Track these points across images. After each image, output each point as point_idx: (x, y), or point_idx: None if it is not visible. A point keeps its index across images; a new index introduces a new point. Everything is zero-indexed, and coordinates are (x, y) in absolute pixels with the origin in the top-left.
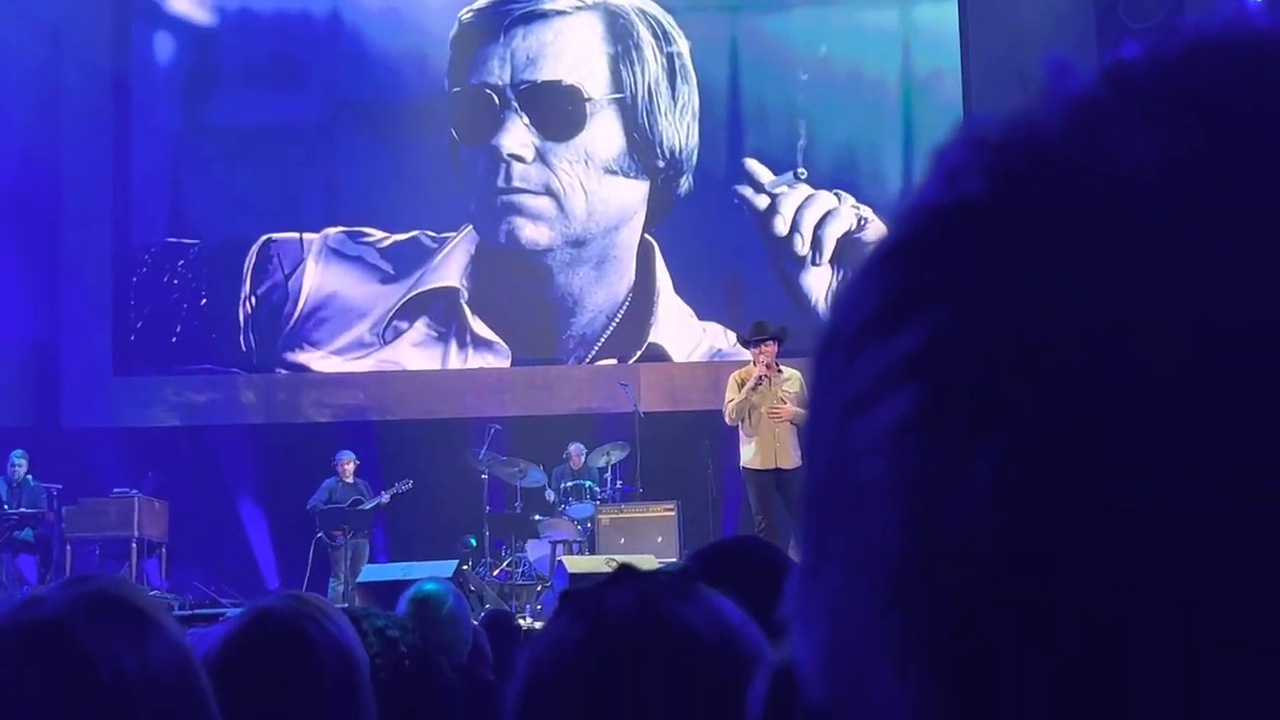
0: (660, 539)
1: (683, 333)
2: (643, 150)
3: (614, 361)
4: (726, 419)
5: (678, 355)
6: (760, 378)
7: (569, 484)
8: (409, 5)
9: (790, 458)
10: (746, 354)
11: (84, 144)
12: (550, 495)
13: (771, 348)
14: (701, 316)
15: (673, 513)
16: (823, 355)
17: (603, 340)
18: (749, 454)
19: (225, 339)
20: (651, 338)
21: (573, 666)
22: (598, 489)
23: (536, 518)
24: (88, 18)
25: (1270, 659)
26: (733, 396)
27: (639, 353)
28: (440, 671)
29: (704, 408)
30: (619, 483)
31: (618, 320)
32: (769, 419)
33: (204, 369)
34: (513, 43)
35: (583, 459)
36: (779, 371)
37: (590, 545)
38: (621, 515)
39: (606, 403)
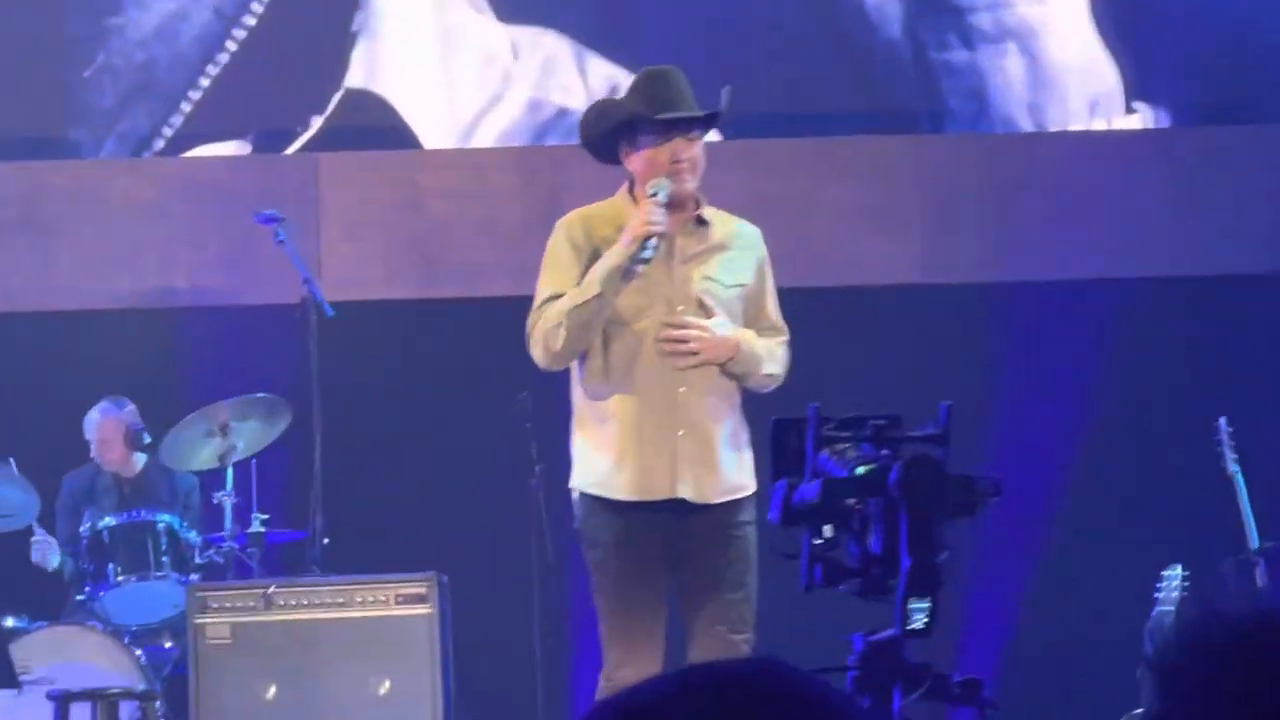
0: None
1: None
2: None
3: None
4: (537, 351)
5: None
6: (653, 236)
7: None
8: None
9: (716, 473)
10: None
11: None
12: None
13: (694, 146)
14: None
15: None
16: None
17: None
18: (598, 462)
19: None
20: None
21: None
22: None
23: None
24: None
25: None
26: (558, 289)
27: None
28: None
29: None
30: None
31: None
32: (664, 356)
33: None
34: None
35: None
36: (701, 222)
37: None
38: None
39: None
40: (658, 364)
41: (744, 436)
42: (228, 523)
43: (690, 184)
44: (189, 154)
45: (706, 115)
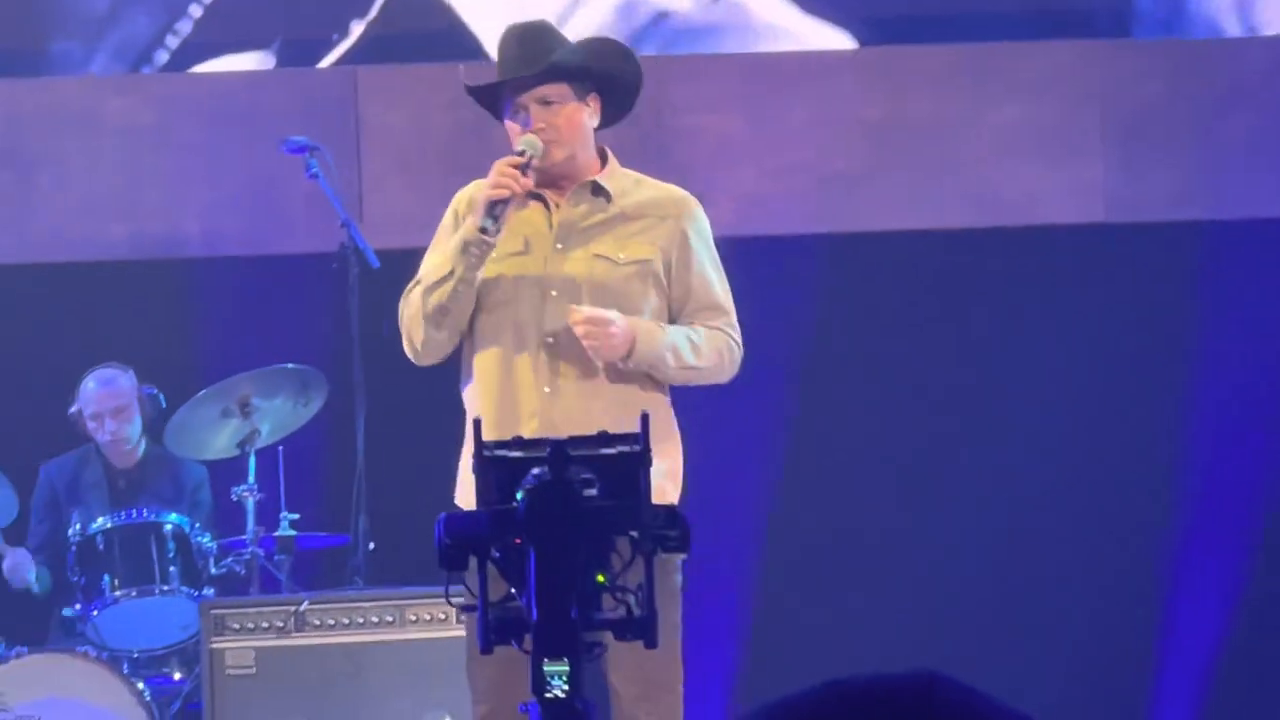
0: None
1: None
2: None
3: None
4: (405, 345)
5: None
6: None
7: None
8: None
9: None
10: None
11: None
12: None
13: (552, 110)
14: None
15: None
16: None
17: None
18: (464, 473)
19: None
20: None
21: None
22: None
23: None
24: None
25: None
26: (430, 272)
27: None
28: None
29: None
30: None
31: None
32: (532, 351)
33: None
34: None
35: None
36: (597, 191)
37: None
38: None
39: None
40: (527, 360)
41: (657, 451)
42: (250, 524)
43: (555, 152)
44: (199, 68)
45: (534, 75)
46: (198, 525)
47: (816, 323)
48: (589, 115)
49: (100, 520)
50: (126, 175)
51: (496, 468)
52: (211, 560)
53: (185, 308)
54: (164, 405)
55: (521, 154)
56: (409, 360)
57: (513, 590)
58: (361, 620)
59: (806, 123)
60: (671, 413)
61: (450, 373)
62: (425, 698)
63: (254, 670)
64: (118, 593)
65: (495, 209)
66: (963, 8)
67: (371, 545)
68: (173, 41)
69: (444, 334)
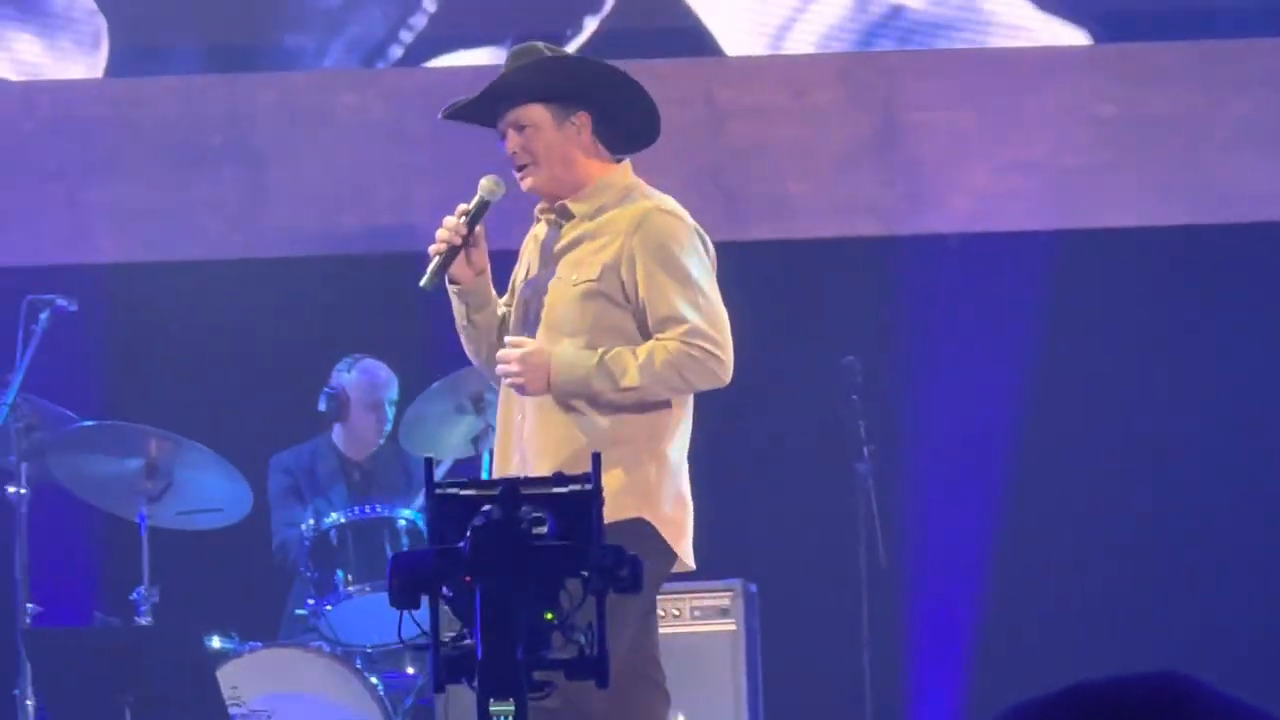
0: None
1: None
2: None
3: None
4: None
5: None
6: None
7: None
8: None
9: None
10: None
11: None
12: None
13: (517, 135)
14: None
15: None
16: None
17: None
18: None
19: None
20: None
21: None
22: None
23: None
24: None
25: None
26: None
27: None
28: None
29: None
30: None
31: None
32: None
33: None
34: None
35: None
36: (566, 214)
37: None
38: None
39: None
40: (505, 390)
41: (613, 464)
42: None
43: (528, 179)
44: (432, 63)
45: (472, 101)
46: None
47: (1049, 320)
48: (573, 134)
49: (333, 515)
50: (358, 170)
51: (449, 506)
52: None
53: (415, 302)
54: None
55: (470, 203)
56: None
57: (465, 630)
58: (677, 613)
59: (1040, 119)
60: (653, 428)
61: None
62: None
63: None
64: (351, 588)
65: (436, 263)
66: (1198, 4)
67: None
68: (406, 36)
69: (482, 365)
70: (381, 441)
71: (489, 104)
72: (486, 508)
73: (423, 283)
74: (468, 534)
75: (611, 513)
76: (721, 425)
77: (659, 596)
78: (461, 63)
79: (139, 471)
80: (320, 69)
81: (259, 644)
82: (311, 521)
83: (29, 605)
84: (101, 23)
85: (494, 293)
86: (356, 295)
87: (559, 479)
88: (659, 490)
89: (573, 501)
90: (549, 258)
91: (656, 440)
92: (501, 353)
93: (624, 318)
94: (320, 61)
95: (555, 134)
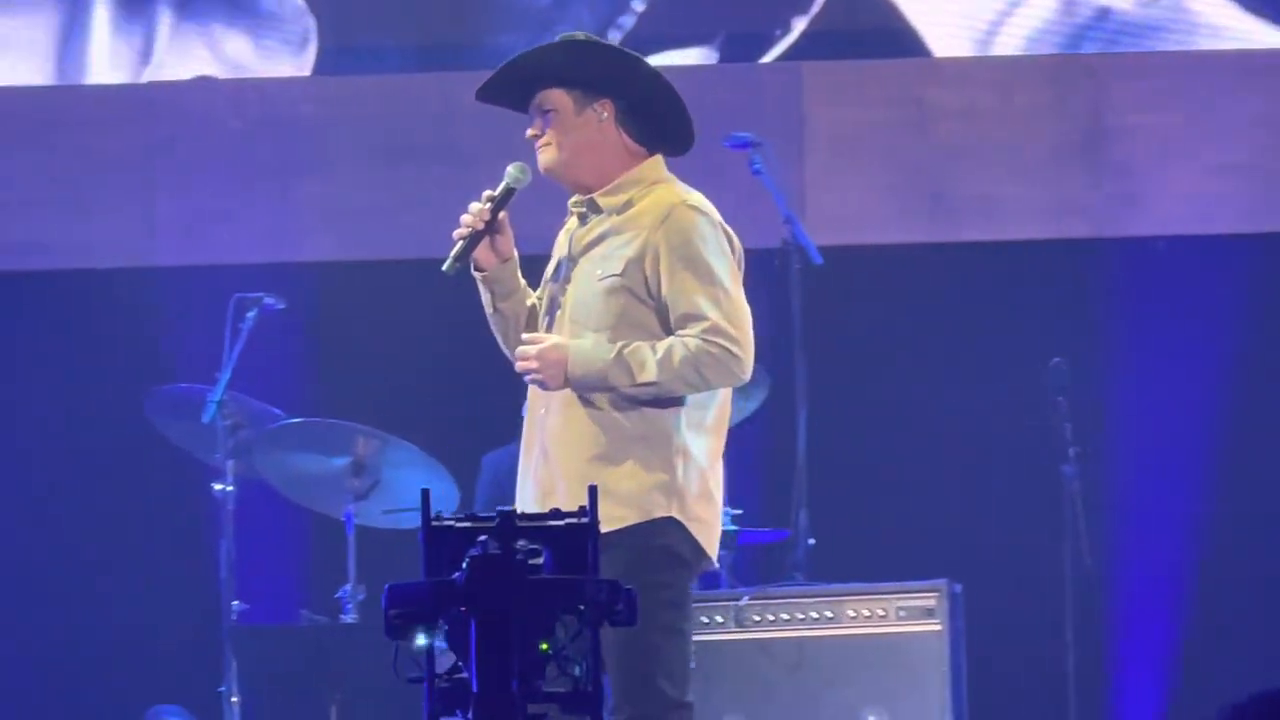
0: None
1: None
2: None
3: None
4: None
5: None
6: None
7: None
8: None
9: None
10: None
11: None
12: None
13: (542, 120)
14: None
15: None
16: None
17: None
18: None
19: None
20: None
21: None
22: None
23: None
24: None
25: None
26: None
27: None
28: None
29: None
30: None
31: None
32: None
33: None
34: None
35: None
36: (595, 207)
37: None
38: None
39: None
40: (532, 388)
41: (638, 461)
42: None
43: (542, 157)
44: None
45: (498, 80)
46: None
47: (1256, 323)
48: (594, 120)
49: None
50: None
51: (445, 538)
52: None
53: None
54: None
55: (496, 189)
56: (850, 357)
57: (460, 662)
58: (801, 616)
59: (1248, 121)
60: (678, 425)
61: (881, 366)
62: (865, 694)
63: (693, 665)
64: None
65: (459, 247)
66: None
67: (811, 541)
68: (615, 36)
69: (511, 355)
70: None
71: (520, 87)
72: (482, 539)
73: (444, 267)
74: (463, 566)
75: (641, 512)
76: (927, 425)
77: (859, 595)
78: (671, 62)
79: (345, 469)
80: None
81: None
82: None
83: (235, 603)
84: (310, 22)
85: (522, 281)
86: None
87: (556, 514)
88: (686, 487)
89: (569, 535)
90: (577, 251)
91: (681, 436)
92: (520, 349)
93: (647, 313)
94: None
95: (575, 119)
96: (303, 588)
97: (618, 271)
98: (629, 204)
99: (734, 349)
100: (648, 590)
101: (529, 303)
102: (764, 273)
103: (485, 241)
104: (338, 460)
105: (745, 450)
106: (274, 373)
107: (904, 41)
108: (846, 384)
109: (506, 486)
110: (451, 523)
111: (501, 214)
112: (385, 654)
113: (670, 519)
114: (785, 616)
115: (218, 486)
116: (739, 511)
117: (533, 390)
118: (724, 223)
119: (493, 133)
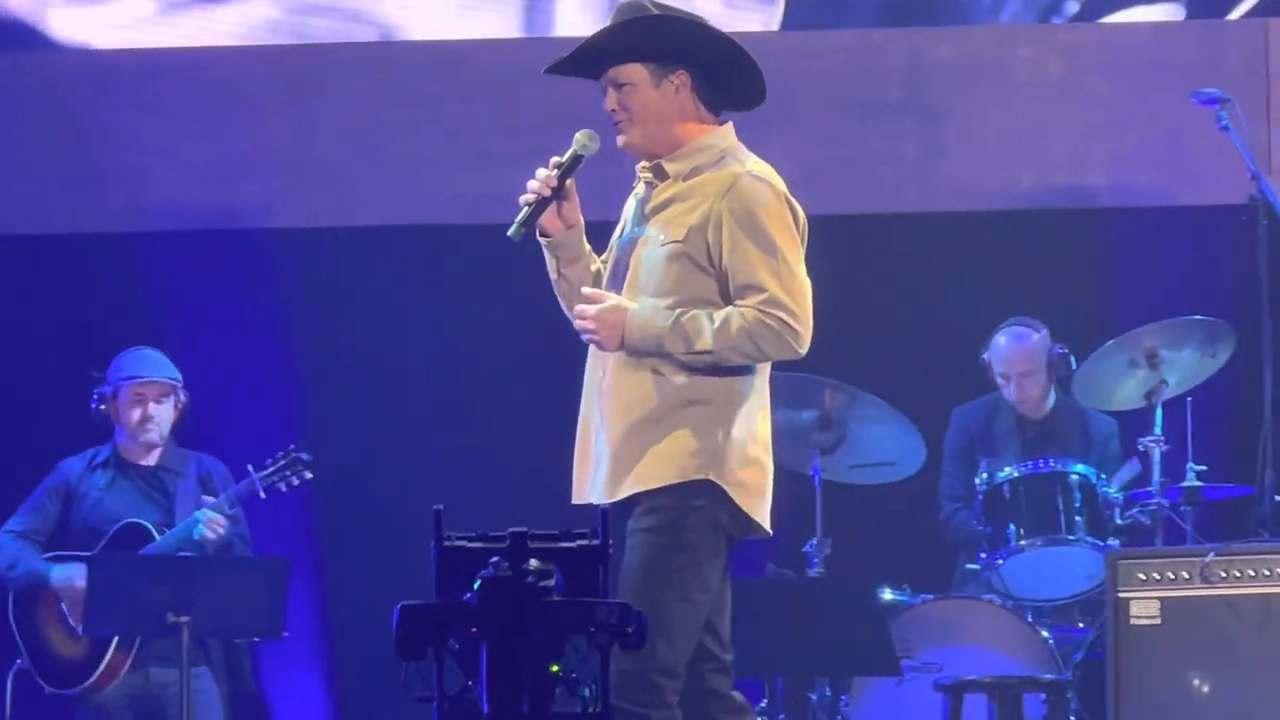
0: None
1: None
2: None
3: None
4: None
5: None
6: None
7: None
8: None
9: (612, 469)
10: None
11: None
12: None
13: (615, 92)
14: None
15: None
16: None
17: None
18: None
19: None
20: None
21: None
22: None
23: None
24: None
25: None
26: None
27: None
28: None
29: None
30: None
31: None
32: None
33: None
34: None
35: None
36: (662, 173)
37: None
38: None
39: None
40: (592, 349)
41: (683, 423)
42: (1156, 475)
43: (623, 136)
44: (1108, 19)
45: (573, 56)
46: (1103, 476)
47: None
48: (670, 93)
49: (1007, 470)
50: (1034, 125)
51: (456, 559)
52: (1117, 511)
53: (1094, 258)
54: (1074, 366)
55: (563, 155)
56: None
57: (470, 683)
58: (1268, 573)
59: None
60: (730, 393)
61: None
62: None
63: (1159, 621)
64: (1023, 542)
65: (525, 213)
66: None
67: (1279, 498)
68: None
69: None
70: (1052, 400)
71: (593, 60)
72: (494, 560)
73: (510, 232)
74: (475, 586)
75: (679, 472)
76: None
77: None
78: (1138, 19)
79: (813, 423)
80: (997, 23)
81: (932, 596)
82: (985, 475)
83: None
84: None
85: (587, 247)
86: (1031, 252)
87: (567, 534)
88: (727, 452)
89: (580, 556)
90: (642, 217)
91: (732, 405)
92: (579, 307)
93: (707, 282)
94: (997, 16)
95: (653, 92)
96: (769, 541)
97: (679, 238)
98: (696, 171)
99: (791, 322)
100: (672, 552)
101: (594, 269)
102: (1231, 229)
103: (552, 208)
104: (806, 414)
105: (1211, 407)
106: None
107: None
108: None
109: (978, 440)
110: (463, 543)
111: (569, 181)
112: (852, 607)
113: (708, 481)
114: (1251, 573)
115: None
116: (1204, 468)
117: (592, 354)
118: (789, 194)
119: (961, 88)
